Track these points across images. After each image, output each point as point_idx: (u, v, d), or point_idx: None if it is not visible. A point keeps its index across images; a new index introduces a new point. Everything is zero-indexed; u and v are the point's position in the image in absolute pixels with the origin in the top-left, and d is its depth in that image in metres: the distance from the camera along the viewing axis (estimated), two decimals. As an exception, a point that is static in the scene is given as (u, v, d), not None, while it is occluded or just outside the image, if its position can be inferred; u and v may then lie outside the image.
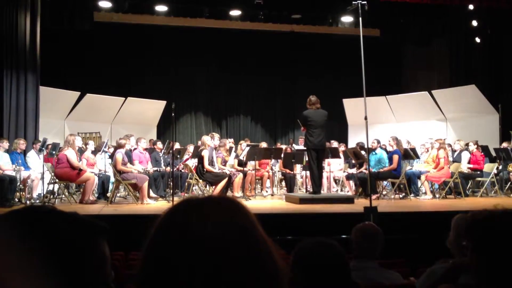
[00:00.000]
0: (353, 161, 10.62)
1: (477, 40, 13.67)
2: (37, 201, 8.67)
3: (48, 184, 8.85)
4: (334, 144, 11.69)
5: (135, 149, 9.54)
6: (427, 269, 2.62)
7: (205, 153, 9.14)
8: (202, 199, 0.88)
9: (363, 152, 10.11)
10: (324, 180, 10.39)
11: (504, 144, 11.02)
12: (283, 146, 12.18)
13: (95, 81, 14.42)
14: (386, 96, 14.48)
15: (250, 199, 9.47)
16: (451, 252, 2.71)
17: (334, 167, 11.13)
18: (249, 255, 0.82)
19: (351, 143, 13.49)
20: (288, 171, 10.85)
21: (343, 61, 15.39)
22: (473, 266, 1.45)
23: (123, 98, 13.86)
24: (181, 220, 0.84)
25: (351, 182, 10.56)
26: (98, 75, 14.73)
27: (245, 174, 9.89)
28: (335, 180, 11.35)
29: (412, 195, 9.67)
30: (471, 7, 12.59)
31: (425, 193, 9.74)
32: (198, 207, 0.86)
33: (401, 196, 9.79)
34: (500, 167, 10.53)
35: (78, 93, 13.01)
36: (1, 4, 10.31)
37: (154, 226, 0.86)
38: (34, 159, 9.46)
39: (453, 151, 10.78)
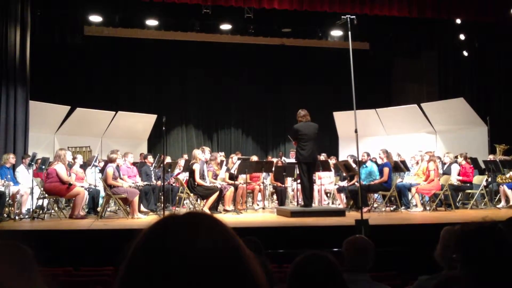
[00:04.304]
0: (344, 174, 10.65)
1: (465, 53, 13.84)
2: (26, 216, 8.58)
3: (38, 199, 8.75)
4: (322, 157, 11.71)
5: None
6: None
7: (196, 167, 9.12)
8: (182, 216, 0.88)
9: (353, 165, 10.14)
10: (315, 193, 10.40)
11: (490, 157, 11.11)
12: (274, 159, 12.18)
13: (85, 95, 14.39)
14: (376, 109, 14.58)
15: (241, 213, 9.44)
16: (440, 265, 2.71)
17: (325, 180, 11.15)
18: (237, 271, 0.82)
19: (342, 156, 13.53)
20: (279, 184, 10.85)
21: (333, 74, 15.51)
22: (463, 278, 1.45)
23: (114, 112, 13.83)
24: (162, 238, 0.83)
25: (342, 195, 10.58)
26: (88, 89, 14.71)
27: (236, 188, 9.87)
28: (326, 193, 11.36)
29: (403, 207, 9.70)
30: (458, 21, 12.76)
31: (416, 205, 9.77)
32: (180, 224, 0.86)
33: (392, 208, 9.81)
34: (490, 179, 10.61)
35: (68, 107, 12.96)
36: (-10, 18, 10.30)
37: (134, 243, 0.86)
38: (23, 174, 9.37)
39: (443, 163, 10.84)
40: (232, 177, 10.50)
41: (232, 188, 9.61)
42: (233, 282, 0.81)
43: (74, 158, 9.75)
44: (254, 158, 11.64)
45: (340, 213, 8.56)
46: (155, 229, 0.86)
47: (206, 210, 8.70)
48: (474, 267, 1.41)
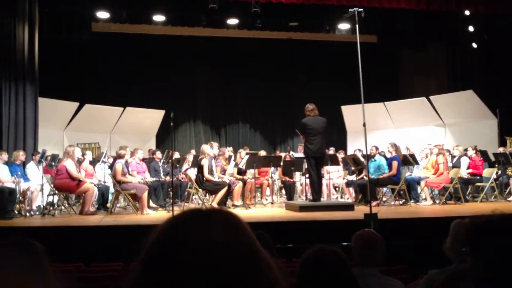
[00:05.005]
0: (353, 168, 10.62)
1: (474, 45, 13.72)
2: (37, 212, 8.65)
3: (48, 195, 8.82)
4: (331, 151, 11.69)
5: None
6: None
7: (205, 162, 9.14)
8: (200, 212, 0.88)
9: (362, 159, 10.11)
10: (324, 188, 10.39)
11: (500, 149, 11.03)
12: (282, 154, 12.17)
13: (93, 91, 14.43)
14: (384, 102, 14.51)
15: (250, 208, 9.45)
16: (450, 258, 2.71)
17: (334, 174, 11.13)
18: (249, 269, 0.82)
19: (350, 150, 13.49)
20: (287, 179, 10.85)
21: (341, 67, 15.44)
22: (473, 272, 1.44)
23: (122, 108, 13.87)
24: (178, 233, 0.84)
25: (351, 189, 10.56)
26: (97, 85, 14.75)
27: (244, 183, 9.88)
28: (334, 187, 11.34)
29: (412, 201, 9.66)
30: (467, 12, 12.64)
31: (425, 199, 9.73)
32: (195, 220, 0.86)
33: (401, 202, 9.78)
34: (500, 172, 10.54)
35: (77, 104, 13.03)
36: (-1, 16, 10.35)
37: (151, 237, 0.86)
38: (34, 170, 9.44)
39: (452, 156, 10.78)
40: (241, 172, 10.51)
41: (240, 183, 9.62)
42: (249, 280, 0.81)
43: (83, 155, 9.81)
44: (262, 153, 11.64)
45: (349, 207, 8.55)
46: (172, 224, 0.86)
47: (215, 205, 8.73)
48: (482, 260, 1.40)
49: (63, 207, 9.00)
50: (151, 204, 9.26)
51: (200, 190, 9.24)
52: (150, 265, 0.83)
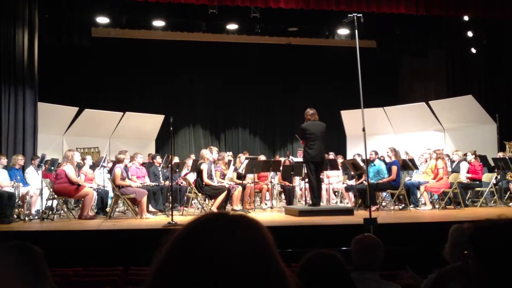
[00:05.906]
0: (352, 173, 10.62)
1: (473, 50, 13.75)
2: (36, 217, 8.63)
3: (47, 200, 8.81)
4: (331, 156, 11.70)
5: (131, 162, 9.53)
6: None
7: (204, 167, 9.13)
8: (227, 217, 0.88)
9: (361, 164, 10.11)
10: (324, 192, 10.38)
11: (500, 154, 11.04)
12: (282, 159, 12.17)
13: (93, 96, 14.46)
14: (384, 107, 14.52)
15: (249, 212, 9.43)
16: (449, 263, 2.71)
17: (333, 179, 11.13)
18: (265, 278, 0.82)
19: (350, 155, 13.49)
20: (287, 183, 10.84)
21: (340, 72, 15.48)
22: (476, 275, 1.44)
23: (121, 113, 13.88)
24: (202, 235, 0.84)
25: (351, 194, 10.55)
26: (96, 90, 14.78)
27: (244, 187, 9.87)
28: (334, 192, 11.34)
29: (411, 206, 9.66)
30: (466, 18, 12.68)
31: (425, 203, 9.73)
32: (221, 224, 0.86)
33: (400, 207, 9.77)
34: (499, 177, 10.54)
35: (76, 108, 13.03)
36: (-1, 21, 10.36)
37: (173, 237, 0.86)
38: (33, 175, 9.44)
39: (452, 161, 10.79)
40: (240, 176, 10.51)
41: (240, 188, 9.61)
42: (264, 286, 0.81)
43: (83, 159, 9.81)
44: (262, 157, 11.64)
45: (348, 212, 8.54)
46: (197, 226, 0.86)
47: (214, 210, 8.72)
48: (486, 264, 1.40)
49: (62, 212, 8.99)
50: (150, 208, 9.25)
51: (199, 194, 9.23)
52: (170, 265, 0.83)
